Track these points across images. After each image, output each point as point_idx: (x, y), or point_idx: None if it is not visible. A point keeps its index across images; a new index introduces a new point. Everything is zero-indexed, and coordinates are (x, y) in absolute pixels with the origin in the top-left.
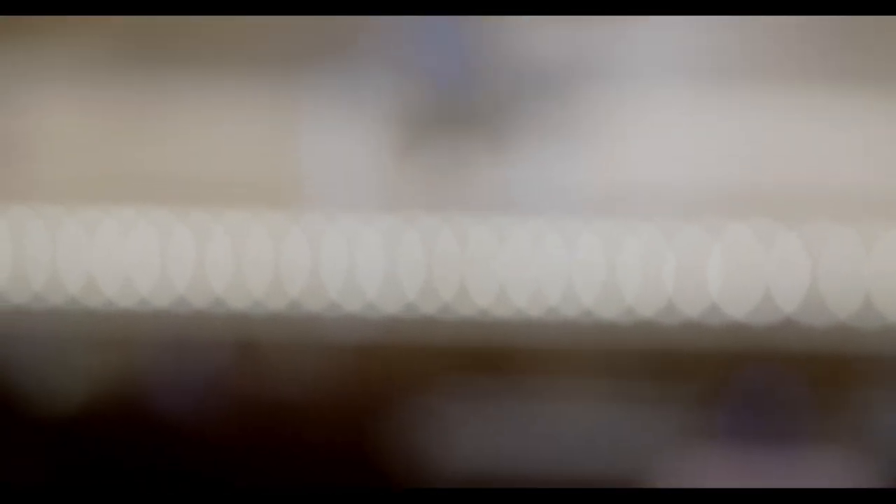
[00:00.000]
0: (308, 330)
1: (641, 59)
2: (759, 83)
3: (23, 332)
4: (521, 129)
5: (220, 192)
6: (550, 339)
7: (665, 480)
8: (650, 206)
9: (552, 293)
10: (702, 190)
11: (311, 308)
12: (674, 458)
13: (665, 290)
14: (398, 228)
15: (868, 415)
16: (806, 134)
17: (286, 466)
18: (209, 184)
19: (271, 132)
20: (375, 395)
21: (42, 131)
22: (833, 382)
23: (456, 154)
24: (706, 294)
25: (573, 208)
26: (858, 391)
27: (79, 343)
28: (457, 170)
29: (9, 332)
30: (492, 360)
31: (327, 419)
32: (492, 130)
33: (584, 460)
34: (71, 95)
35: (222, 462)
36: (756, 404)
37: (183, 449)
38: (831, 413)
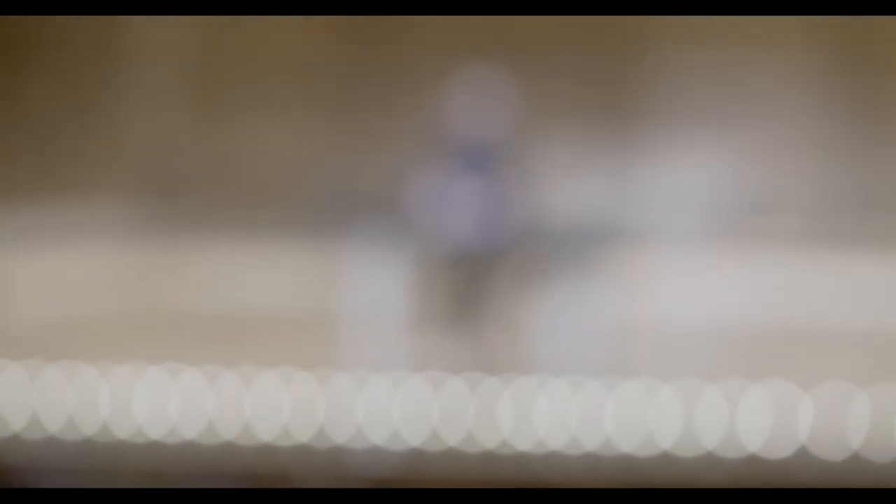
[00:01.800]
0: (333, 461)
1: (664, 217)
2: (779, 243)
3: (54, 460)
4: (547, 285)
5: (250, 336)
6: (570, 472)
7: None
8: (669, 362)
9: (572, 428)
10: (720, 343)
11: (337, 440)
12: None
13: (681, 426)
14: (422, 388)
15: None
16: (819, 291)
17: None
18: (241, 328)
19: (300, 281)
20: None
21: (83, 280)
22: None
23: (480, 311)
24: (723, 428)
25: (594, 367)
26: None
27: (109, 472)
28: (483, 329)
29: (41, 461)
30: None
31: None
32: (518, 285)
33: None
34: (109, 246)
35: None
36: None
37: None
38: None
